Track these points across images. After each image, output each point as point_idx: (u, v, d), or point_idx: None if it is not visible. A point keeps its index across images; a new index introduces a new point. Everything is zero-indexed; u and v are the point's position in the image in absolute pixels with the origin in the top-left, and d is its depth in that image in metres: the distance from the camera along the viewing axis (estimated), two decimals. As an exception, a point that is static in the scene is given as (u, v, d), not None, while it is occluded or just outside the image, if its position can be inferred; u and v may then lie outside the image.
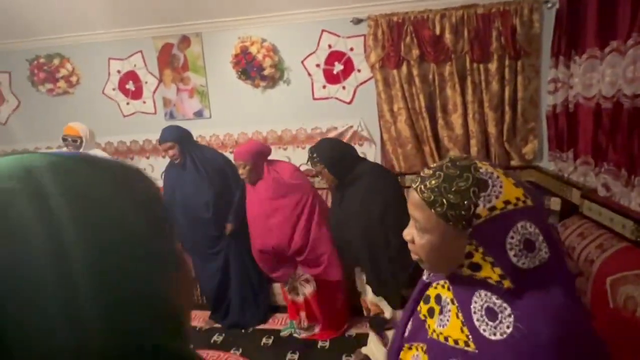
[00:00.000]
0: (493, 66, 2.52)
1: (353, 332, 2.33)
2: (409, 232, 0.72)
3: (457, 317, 0.67)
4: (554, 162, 2.48)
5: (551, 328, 0.57)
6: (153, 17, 2.88)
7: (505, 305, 0.61)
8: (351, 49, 2.77)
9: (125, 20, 2.91)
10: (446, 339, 0.67)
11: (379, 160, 2.87)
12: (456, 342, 0.65)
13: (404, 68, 2.63)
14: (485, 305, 0.63)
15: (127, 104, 3.19)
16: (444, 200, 0.63)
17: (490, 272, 0.62)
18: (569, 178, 2.25)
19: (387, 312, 1.76)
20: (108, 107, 3.21)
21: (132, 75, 3.11)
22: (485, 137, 2.66)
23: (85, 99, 3.22)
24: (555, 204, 2.20)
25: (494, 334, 0.60)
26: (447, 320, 0.69)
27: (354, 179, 1.69)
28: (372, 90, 2.78)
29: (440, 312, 0.72)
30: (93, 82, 3.18)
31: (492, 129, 2.61)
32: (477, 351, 0.62)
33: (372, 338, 1.94)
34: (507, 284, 0.60)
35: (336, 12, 2.72)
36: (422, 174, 0.69)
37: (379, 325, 1.80)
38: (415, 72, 2.61)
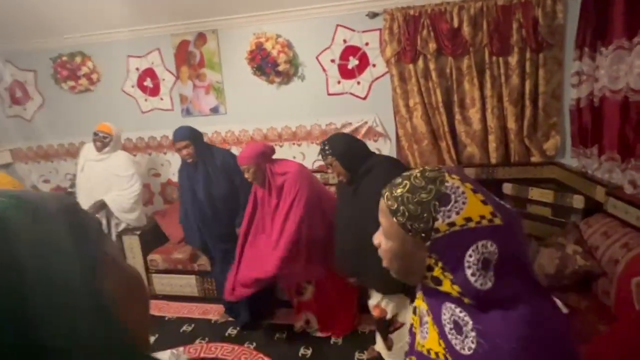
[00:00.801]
0: (513, 59, 2.44)
1: (366, 328, 2.31)
2: (377, 237, 0.71)
3: (434, 328, 0.66)
4: (577, 159, 2.39)
5: (512, 344, 0.55)
6: (170, 15, 2.92)
7: (467, 319, 0.61)
8: (366, 44, 2.74)
9: (144, 18, 2.96)
10: (428, 351, 0.67)
11: (393, 156, 2.84)
12: (437, 355, 0.65)
13: (420, 62, 2.58)
14: (452, 318, 0.63)
15: (145, 100, 3.25)
16: (405, 211, 0.62)
17: (450, 289, 0.61)
18: (593, 175, 2.17)
19: (389, 312, 1.74)
20: (127, 104, 3.28)
21: (150, 73, 3.17)
22: (504, 132, 2.59)
23: (105, 95, 3.30)
24: (578, 201, 2.12)
25: (463, 349, 0.60)
26: (427, 333, 0.69)
27: (367, 171, 1.67)
28: (388, 86, 2.74)
29: (421, 324, 0.71)
30: (113, 79, 3.26)
31: (511, 124, 2.53)
32: None
33: (379, 340, 1.91)
34: (466, 300, 0.60)
35: (351, 7, 2.69)
36: (394, 180, 0.68)
37: (383, 328, 1.78)
38: (432, 66, 2.56)
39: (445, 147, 2.67)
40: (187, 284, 2.80)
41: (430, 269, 0.63)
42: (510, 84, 2.47)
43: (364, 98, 2.83)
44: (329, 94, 2.88)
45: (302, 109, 2.95)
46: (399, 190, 0.65)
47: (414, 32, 2.54)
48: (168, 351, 2.06)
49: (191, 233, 2.48)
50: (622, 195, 1.83)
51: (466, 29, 2.45)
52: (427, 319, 0.69)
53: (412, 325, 0.79)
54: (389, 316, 1.74)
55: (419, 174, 0.65)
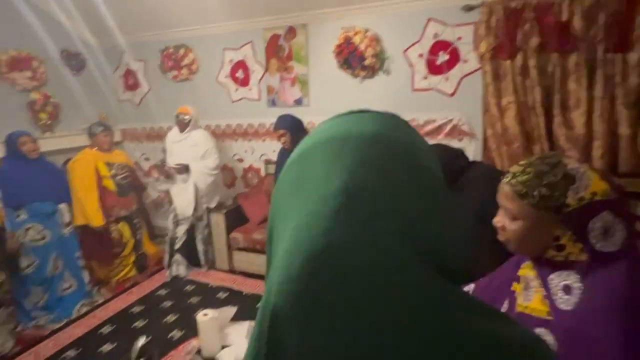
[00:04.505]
0: (634, 56, 2.17)
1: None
2: (500, 220, 0.82)
3: (540, 292, 0.77)
4: None
5: (608, 301, 0.66)
6: (264, 10, 3.09)
7: (578, 279, 0.71)
8: (459, 38, 2.63)
9: (240, 13, 3.17)
10: (532, 311, 0.78)
11: (479, 157, 2.71)
12: (539, 313, 0.76)
13: (519, 58, 2.41)
14: (562, 282, 0.74)
15: (236, 90, 3.50)
16: (535, 193, 0.74)
17: (572, 249, 0.73)
18: None
19: None
20: (219, 93, 3.56)
21: (242, 64, 3.40)
22: (614, 139, 2.32)
23: (201, 84, 3.62)
24: None
25: (567, 306, 0.71)
26: (532, 296, 0.79)
27: (465, 184, 1.58)
28: (478, 82, 2.61)
29: (525, 289, 0.82)
30: (209, 70, 3.56)
31: (624, 130, 2.26)
32: (554, 320, 0.72)
33: None
34: (584, 257, 0.71)
35: (445, 0, 2.59)
36: (511, 169, 0.80)
37: None
38: (531, 63, 2.38)
39: (540, 150, 2.48)
40: (264, 263, 2.99)
41: (557, 238, 0.74)
42: (628, 84, 2.20)
43: (452, 95, 2.73)
44: (413, 90, 2.83)
45: (385, 103, 2.94)
46: (524, 177, 0.76)
47: (514, 26, 2.38)
48: (246, 322, 2.25)
49: None
50: None
51: (577, 23, 2.23)
52: (534, 284, 0.79)
53: (512, 292, 0.88)
54: None
55: (538, 161, 0.76)
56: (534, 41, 2.34)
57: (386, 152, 0.34)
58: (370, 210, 0.29)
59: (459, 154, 1.72)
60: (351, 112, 0.42)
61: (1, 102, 3.09)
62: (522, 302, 0.81)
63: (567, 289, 0.73)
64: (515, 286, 0.87)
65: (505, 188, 0.80)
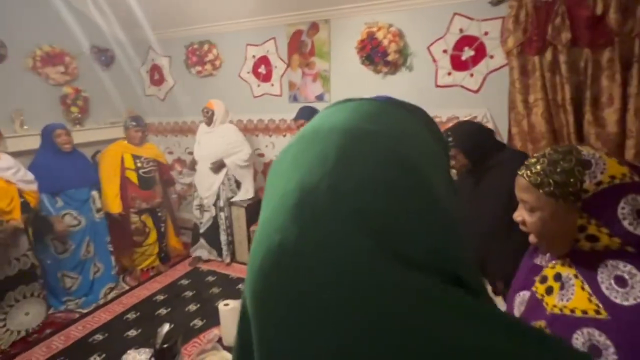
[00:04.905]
0: (673, 52, 2.07)
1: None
2: (519, 214, 0.79)
3: (583, 289, 0.71)
4: None
5: None
6: (287, 6, 3.10)
7: (635, 271, 0.65)
8: (485, 33, 2.57)
9: (263, 9, 3.20)
10: (572, 311, 0.71)
11: (503, 156, 2.65)
12: (584, 312, 0.69)
13: (548, 54, 2.34)
14: (613, 274, 0.68)
15: (258, 86, 3.53)
16: (550, 181, 0.71)
17: (609, 242, 0.68)
18: None
19: None
20: (242, 88, 3.61)
21: (264, 60, 3.43)
22: (648, 138, 2.22)
23: (224, 80, 3.67)
24: None
25: (627, 300, 0.64)
26: (572, 294, 0.73)
27: (495, 165, 1.57)
28: (504, 79, 2.54)
29: (562, 288, 0.76)
30: (232, 65, 3.60)
31: (660, 129, 2.16)
32: (610, 317, 0.65)
33: None
34: (630, 249, 0.66)
35: (472, -7, 2.54)
36: (526, 162, 0.78)
37: None
38: (562, 58, 2.30)
39: (568, 149, 2.40)
40: (282, 257, 3.03)
41: (582, 229, 0.70)
42: (666, 81, 2.10)
43: (476, 91, 2.67)
44: (437, 86, 2.79)
45: (407, 99, 2.88)
46: (538, 167, 0.74)
47: (545, 21, 2.30)
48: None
49: None
50: None
51: (613, 16, 2.14)
52: (574, 281, 0.74)
53: (533, 293, 0.82)
54: None
55: (551, 151, 0.74)
56: (565, 36, 2.26)
57: (354, 146, 0.31)
58: (323, 209, 0.28)
59: (491, 133, 1.71)
60: (337, 103, 0.39)
61: (35, 96, 3.23)
62: (558, 303, 0.75)
63: (621, 282, 0.66)
64: (538, 286, 0.83)
65: (520, 180, 0.78)
